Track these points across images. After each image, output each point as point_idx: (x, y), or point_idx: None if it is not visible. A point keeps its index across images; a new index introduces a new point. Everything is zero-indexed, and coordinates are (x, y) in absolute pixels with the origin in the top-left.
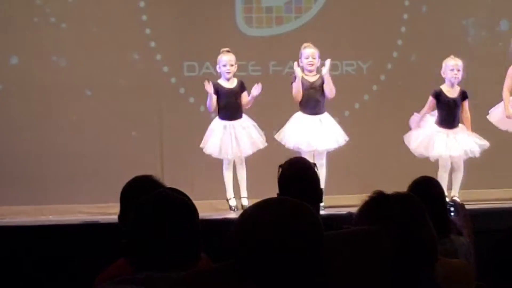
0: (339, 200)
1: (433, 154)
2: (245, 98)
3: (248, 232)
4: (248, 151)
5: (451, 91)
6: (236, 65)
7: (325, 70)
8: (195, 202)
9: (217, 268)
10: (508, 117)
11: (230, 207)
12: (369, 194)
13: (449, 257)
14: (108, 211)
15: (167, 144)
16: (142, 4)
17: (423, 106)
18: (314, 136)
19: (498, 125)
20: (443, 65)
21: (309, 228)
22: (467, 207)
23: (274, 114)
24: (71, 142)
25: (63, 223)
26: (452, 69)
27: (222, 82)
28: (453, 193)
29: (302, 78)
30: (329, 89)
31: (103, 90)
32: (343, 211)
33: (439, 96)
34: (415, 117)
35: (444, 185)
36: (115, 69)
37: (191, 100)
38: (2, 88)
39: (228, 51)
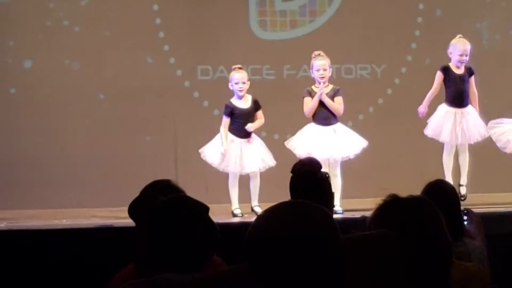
0: (353, 204)
1: (441, 139)
2: (258, 116)
3: (263, 235)
4: (253, 168)
5: (458, 70)
6: (248, 82)
7: (316, 96)
8: (208, 205)
9: (231, 270)
10: None
11: (235, 215)
12: (383, 198)
13: (462, 260)
14: (122, 215)
15: (181, 148)
16: (156, 7)
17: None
18: (328, 145)
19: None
20: (451, 46)
21: (323, 231)
22: (477, 211)
23: (287, 118)
24: (85, 145)
25: (77, 227)
26: (461, 54)
27: (236, 102)
28: (462, 180)
29: (313, 90)
30: (334, 110)
31: (117, 94)
32: (358, 214)
33: (447, 72)
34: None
35: (449, 169)
36: (128, 72)
37: (205, 104)
38: (15, 91)
39: (240, 68)
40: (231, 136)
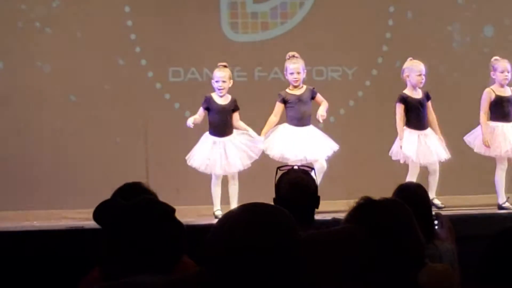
0: (324, 206)
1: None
2: (235, 117)
3: (221, 236)
4: (239, 166)
5: (415, 93)
6: (230, 81)
7: (321, 115)
8: (180, 207)
9: (195, 273)
10: (484, 144)
11: (216, 216)
12: (356, 200)
13: (433, 262)
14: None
15: (152, 150)
16: (127, 9)
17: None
18: (302, 147)
19: (480, 150)
20: (407, 70)
21: (282, 232)
22: (447, 213)
23: (259, 119)
24: (55, 147)
25: (48, 229)
26: (419, 74)
27: (216, 97)
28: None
29: (287, 93)
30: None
31: (88, 96)
32: (328, 216)
33: (406, 100)
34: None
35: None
36: (99, 74)
37: (176, 105)
38: None
39: (224, 66)
40: (212, 138)
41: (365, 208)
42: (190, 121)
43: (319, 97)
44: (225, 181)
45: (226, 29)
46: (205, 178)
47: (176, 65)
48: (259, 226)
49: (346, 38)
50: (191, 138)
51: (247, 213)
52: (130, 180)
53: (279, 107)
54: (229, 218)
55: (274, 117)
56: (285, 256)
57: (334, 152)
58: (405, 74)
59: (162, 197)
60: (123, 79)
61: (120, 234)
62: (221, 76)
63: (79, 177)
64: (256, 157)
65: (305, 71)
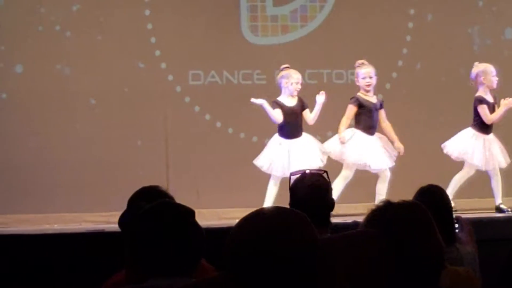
0: (345, 209)
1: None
2: (307, 115)
3: (240, 241)
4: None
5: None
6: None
7: (320, 100)
8: (200, 210)
9: (215, 277)
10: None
11: None
12: (375, 203)
13: (455, 266)
14: (113, 220)
15: (172, 153)
16: (147, 12)
17: (428, 114)
18: (374, 156)
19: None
20: (479, 71)
21: (302, 236)
22: (467, 216)
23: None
24: (76, 150)
25: (68, 232)
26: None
27: (284, 99)
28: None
29: (364, 99)
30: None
31: (108, 99)
32: (349, 219)
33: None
34: None
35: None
36: (119, 77)
37: (196, 108)
38: (6, 97)
39: (289, 68)
40: (279, 139)
41: (384, 211)
42: (264, 103)
43: (383, 112)
44: (238, 184)
45: (246, 32)
46: (225, 181)
47: (196, 68)
48: (279, 231)
49: (366, 41)
50: (211, 140)
51: (267, 217)
52: (150, 183)
53: (352, 110)
54: (248, 222)
55: (348, 120)
56: (305, 262)
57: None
58: (481, 78)
59: (182, 200)
60: (143, 82)
61: (141, 238)
62: (298, 78)
63: (100, 181)
64: (321, 163)
65: (377, 77)
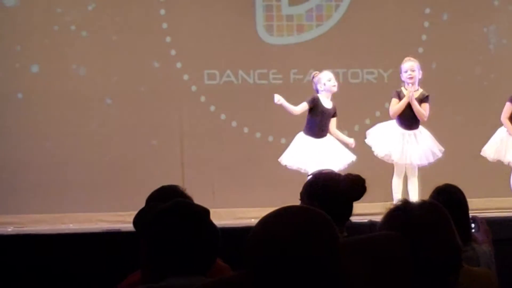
0: (360, 208)
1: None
2: (333, 122)
3: (263, 240)
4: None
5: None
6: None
7: (405, 98)
8: (215, 210)
9: (234, 276)
10: None
11: None
12: (392, 202)
13: (471, 265)
14: (128, 220)
15: (187, 152)
16: (163, 12)
17: (443, 113)
18: (409, 150)
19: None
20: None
21: (325, 238)
22: (483, 215)
23: (295, 122)
24: (91, 150)
25: (84, 232)
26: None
27: (323, 99)
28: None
29: (402, 92)
30: (419, 114)
31: (123, 99)
32: (365, 219)
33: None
34: None
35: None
36: (135, 77)
37: (212, 108)
38: (22, 96)
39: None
40: (305, 137)
41: (402, 210)
42: (280, 99)
43: (424, 105)
44: (249, 182)
45: (261, 32)
46: (240, 181)
47: (212, 67)
48: (302, 231)
49: (381, 40)
50: (227, 140)
51: (290, 216)
52: (166, 182)
53: (394, 101)
54: (271, 220)
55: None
56: (326, 263)
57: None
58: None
59: (197, 200)
60: (159, 81)
61: (157, 237)
62: (333, 77)
63: (115, 180)
64: (350, 161)
65: (421, 71)
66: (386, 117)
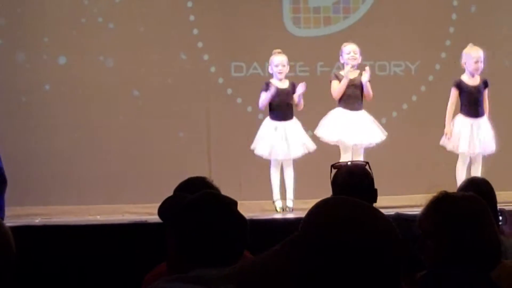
0: (387, 201)
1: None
2: (295, 99)
3: (315, 232)
4: (298, 152)
5: (472, 80)
6: (288, 66)
7: (365, 78)
8: (242, 202)
9: (273, 252)
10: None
11: (276, 209)
12: (433, 194)
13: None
14: (155, 211)
15: (214, 144)
16: (190, 4)
17: None
18: (356, 131)
19: None
20: (464, 56)
21: (386, 228)
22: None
23: (321, 114)
24: (118, 142)
25: (111, 223)
26: (476, 61)
27: (274, 82)
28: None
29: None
30: (366, 92)
31: (150, 90)
32: (391, 212)
33: (460, 86)
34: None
35: (462, 177)
36: (162, 69)
37: (239, 100)
38: (49, 88)
39: (279, 52)
40: (273, 123)
41: (444, 203)
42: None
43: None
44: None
45: (288, 24)
46: (267, 173)
47: (239, 60)
48: (363, 224)
49: (408, 32)
50: (254, 132)
51: (347, 208)
52: (193, 174)
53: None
54: (325, 211)
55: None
56: (390, 255)
57: (382, 140)
58: (462, 61)
59: (224, 192)
60: (186, 74)
61: (184, 229)
62: (280, 60)
63: (142, 172)
64: (312, 148)
65: (361, 56)
66: (413, 109)
